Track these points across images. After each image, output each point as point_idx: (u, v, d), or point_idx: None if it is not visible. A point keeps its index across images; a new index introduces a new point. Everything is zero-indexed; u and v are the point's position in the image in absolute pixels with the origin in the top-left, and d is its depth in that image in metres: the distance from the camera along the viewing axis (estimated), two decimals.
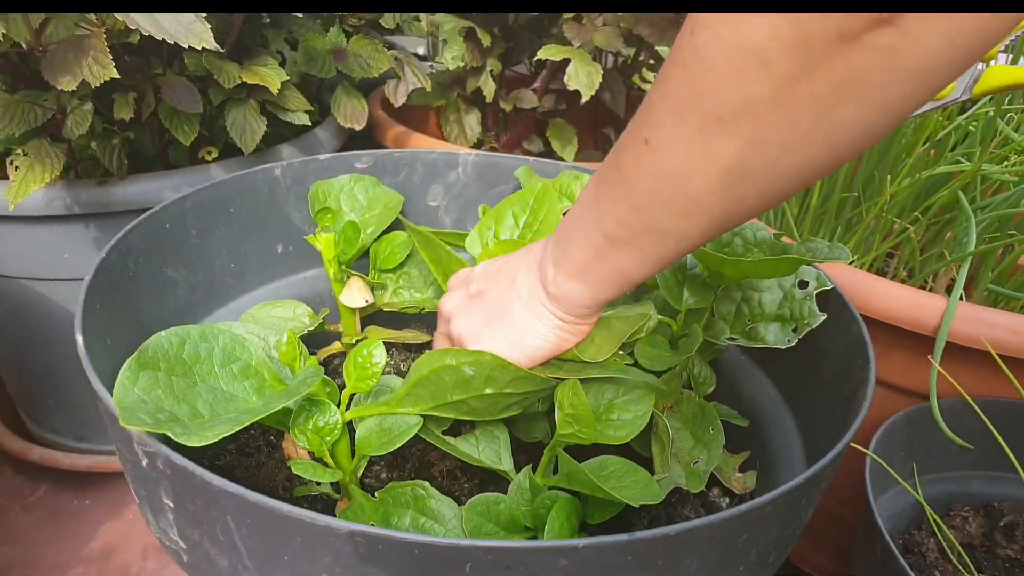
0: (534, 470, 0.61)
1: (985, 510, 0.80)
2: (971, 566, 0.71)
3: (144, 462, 0.46)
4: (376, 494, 0.61)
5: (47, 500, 1.16)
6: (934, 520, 0.74)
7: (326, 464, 0.59)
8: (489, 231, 0.68)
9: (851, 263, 0.82)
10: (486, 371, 0.56)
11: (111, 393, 0.48)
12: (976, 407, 0.70)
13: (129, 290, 0.66)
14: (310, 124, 1.02)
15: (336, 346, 0.81)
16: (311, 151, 1.10)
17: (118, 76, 0.70)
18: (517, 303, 0.56)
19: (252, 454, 0.72)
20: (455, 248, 0.81)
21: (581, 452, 0.59)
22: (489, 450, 0.62)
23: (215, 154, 0.99)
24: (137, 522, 1.14)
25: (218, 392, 0.52)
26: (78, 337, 0.52)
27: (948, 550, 0.74)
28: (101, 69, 0.69)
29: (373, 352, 0.57)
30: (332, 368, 0.83)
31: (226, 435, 0.45)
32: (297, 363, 0.57)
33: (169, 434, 0.44)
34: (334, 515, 0.66)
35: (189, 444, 0.44)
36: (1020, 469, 0.68)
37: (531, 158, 0.91)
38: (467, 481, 0.69)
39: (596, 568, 0.39)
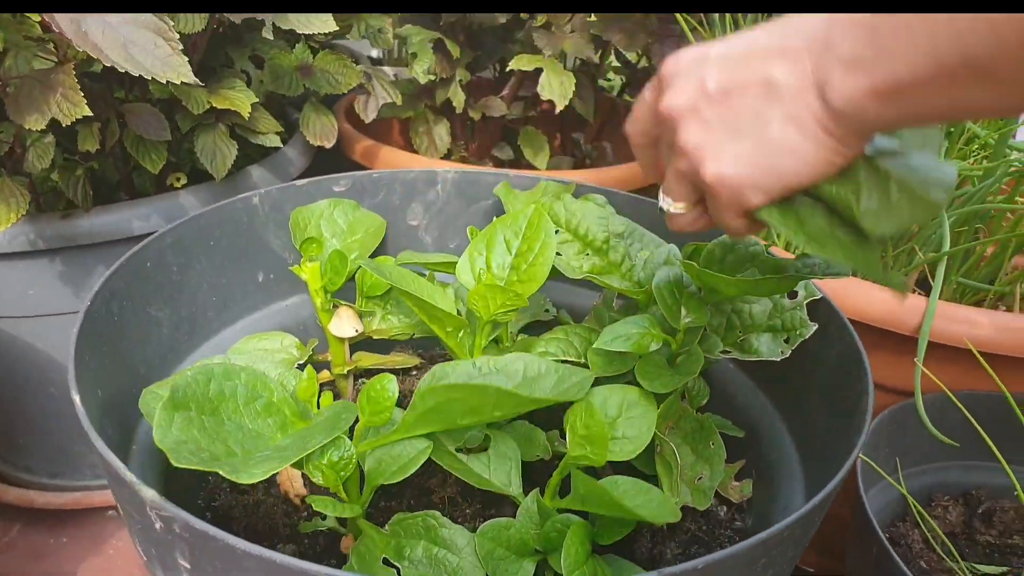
0: (541, 492, 0.61)
1: (964, 498, 0.83)
2: (955, 553, 0.74)
3: (158, 525, 0.45)
4: (387, 526, 0.61)
5: (21, 540, 1.13)
6: (919, 513, 0.76)
7: (339, 498, 0.59)
8: (480, 256, 0.68)
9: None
10: (492, 399, 0.56)
11: (108, 446, 0.47)
12: (960, 404, 0.72)
13: (115, 335, 0.65)
14: (281, 145, 1.00)
15: (324, 375, 0.80)
16: (281, 171, 1.09)
17: (91, 114, 0.68)
18: (777, 113, 0.43)
19: (247, 491, 0.71)
20: (444, 275, 0.81)
21: (588, 474, 0.59)
22: (500, 471, 0.62)
23: (184, 180, 0.97)
24: (118, 557, 1.12)
25: (245, 430, 0.51)
26: (75, 397, 0.50)
27: (932, 540, 0.77)
28: (71, 107, 0.67)
29: (387, 386, 0.57)
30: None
31: (273, 472, 0.44)
32: (314, 399, 0.56)
33: (220, 471, 0.43)
34: (339, 551, 0.66)
35: (242, 482, 0.44)
36: (1002, 460, 0.70)
37: (510, 172, 0.91)
38: (468, 507, 0.69)
39: None
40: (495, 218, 0.87)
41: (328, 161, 1.20)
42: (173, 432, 0.45)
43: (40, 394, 1.04)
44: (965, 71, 0.36)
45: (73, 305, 0.96)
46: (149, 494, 0.43)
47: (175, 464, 0.41)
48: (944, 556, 0.75)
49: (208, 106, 0.88)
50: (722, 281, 0.58)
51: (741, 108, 0.45)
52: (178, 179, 0.97)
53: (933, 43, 0.36)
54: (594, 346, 0.61)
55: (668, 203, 0.52)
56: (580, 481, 0.55)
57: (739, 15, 1.03)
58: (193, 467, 0.41)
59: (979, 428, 0.58)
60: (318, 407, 0.57)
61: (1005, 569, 0.76)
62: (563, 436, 0.70)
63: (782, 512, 0.63)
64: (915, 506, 0.74)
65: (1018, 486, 0.69)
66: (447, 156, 1.26)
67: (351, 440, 0.58)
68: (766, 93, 0.44)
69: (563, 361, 0.69)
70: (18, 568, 1.09)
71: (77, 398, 0.50)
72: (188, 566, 0.46)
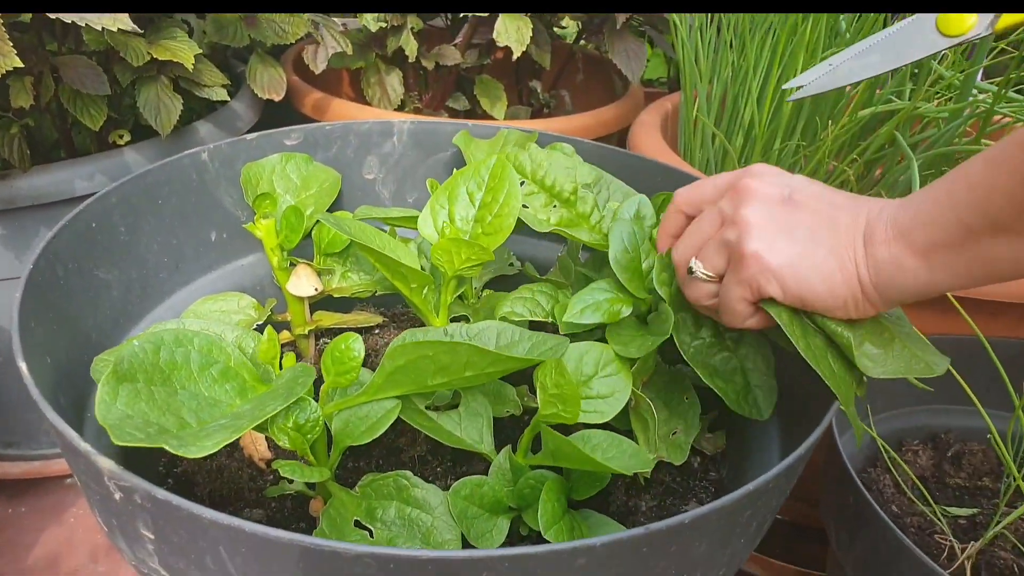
0: (514, 449, 0.60)
1: (933, 442, 0.85)
2: (927, 496, 0.75)
3: (118, 496, 0.43)
4: (357, 488, 0.59)
5: None
6: (890, 458, 0.78)
7: (306, 461, 0.57)
8: (442, 210, 0.66)
9: None
10: (464, 358, 0.55)
11: (60, 415, 0.45)
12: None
13: (62, 300, 0.62)
14: (228, 99, 0.96)
15: (284, 335, 0.77)
16: (229, 126, 1.04)
17: (21, 65, 0.63)
18: (828, 243, 0.49)
19: (211, 457, 0.69)
20: (405, 230, 0.79)
21: (559, 430, 0.58)
22: (472, 428, 0.61)
23: (127, 137, 0.92)
24: (79, 526, 1.09)
25: (200, 399, 0.49)
26: (21, 365, 0.48)
27: (903, 484, 0.78)
28: (2, 59, 0.63)
29: (352, 346, 0.55)
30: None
31: (226, 443, 0.42)
32: (276, 361, 0.54)
33: (166, 447, 0.41)
34: (308, 514, 0.64)
35: (189, 456, 0.42)
36: (979, 404, 0.71)
37: (469, 122, 0.88)
38: (439, 464, 0.68)
39: (613, 561, 0.39)
40: (455, 170, 0.85)
41: (278, 115, 1.15)
42: (118, 407, 0.42)
43: None
44: (987, 227, 0.43)
45: (16, 270, 0.92)
46: (106, 464, 0.41)
47: (116, 442, 0.38)
48: (916, 500, 0.77)
49: (148, 57, 0.84)
50: None
51: (804, 222, 0.50)
52: (121, 136, 0.92)
53: (957, 214, 0.44)
54: (564, 319, 0.60)
55: (699, 267, 0.55)
56: (550, 437, 0.54)
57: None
58: (137, 444, 0.39)
59: (954, 372, 0.59)
60: (280, 369, 0.55)
61: (976, 511, 0.78)
62: (533, 392, 0.69)
63: (757, 463, 0.63)
64: (886, 450, 0.75)
65: (993, 428, 0.70)
66: (400, 108, 1.23)
67: (317, 402, 0.57)
68: (828, 224, 0.49)
69: (531, 322, 0.68)
70: None
71: (24, 366, 0.48)
72: (152, 536, 0.44)
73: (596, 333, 0.65)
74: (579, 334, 0.64)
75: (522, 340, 0.60)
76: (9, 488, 1.12)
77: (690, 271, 0.56)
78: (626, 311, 0.62)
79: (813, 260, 0.49)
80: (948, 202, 0.45)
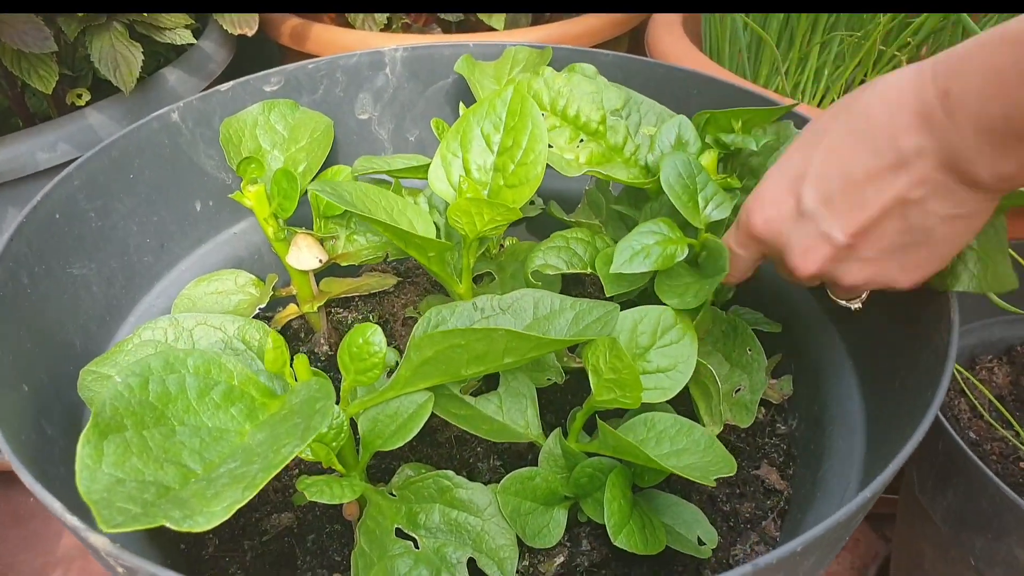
0: (564, 432, 0.54)
1: (1008, 356, 0.78)
2: (1007, 415, 0.69)
3: (120, 570, 0.36)
4: (394, 489, 0.53)
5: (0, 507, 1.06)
6: (963, 378, 0.71)
7: (333, 469, 0.51)
8: (455, 159, 0.56)
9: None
10: (502, 344, 0.47)
11: (46, 449, 0.38)
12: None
13: (33, 312, 0.54)
14: (194, 40, 0.85)
15: (292, 309, 0.70)
16: (200, 70, 0.93)
17: None
18: (931, 217, 0.40)
19: None
20: (413, 181, 0.70)
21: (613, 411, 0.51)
22: (515, 411, 0.54)
23: (87, 96, 0.82)
24: None
25: (203, 432, 0.41)
26: None
27: (980, 407, 0.71)
28: None
29: (371, 339, 0.47)
30: (291, 334, 0.73)
31: (238, 507, 0.35)
32: (287, 369, 0.47)
33: (166, 523, 0.33)
34: (341, 516, 0.58)
35: (195, 531, 0.34)
36: None
37: (469, 42, 0.78)
38: (479, 444, 0.62)
39: None
40: (460, 102, 0.75)
41: (253, 52, 1.04)
42: (104, 471, 0.34)
43: None
44: None
45: None
46: (101, 542, 0.34)
47: (105, 529, 0.30)
48: (994, 423, 0.70)
49: None
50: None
51: (888, 234, 0.41)
52: (79, 96, 0.82)
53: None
54: (611, 269, 0.51)
55: (857, 304, 0.51)
56: (610, 435, 0.47)
57: None
58: (130, 528, 0.31)
59: None
60: (291, 367, 0.47)
61: None
62: (571, 350, 0.62)
63: (837, 414, 0.56)
64: (960, 371, 0.68)
65: None
66: (387, 27, 1.10)
67: (338, 405, 0.50)
68: (903, 210, 0.40)
69: (566, 274, 0.60)
70: (1, 535, 1.02)
71: None
72: None
73: (642, 289, 0.57)
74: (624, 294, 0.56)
75: (563, 310, 0.52)
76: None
77: (850, 311, 0.52)
78: (681, 254, 0.53)
79: (942, 241, 0.41)
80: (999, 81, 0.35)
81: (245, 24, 0.89)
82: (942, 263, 0.43)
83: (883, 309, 0.54)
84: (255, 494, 0.34)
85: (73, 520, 0.35)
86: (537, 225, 0.78)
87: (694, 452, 0.47)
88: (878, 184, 0.40)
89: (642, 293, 0.57)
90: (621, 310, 0.50)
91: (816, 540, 0.34)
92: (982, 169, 0.37)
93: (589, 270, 0.59)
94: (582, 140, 0.61)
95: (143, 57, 0.80)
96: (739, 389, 0.55)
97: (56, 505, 0.36)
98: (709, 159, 0.57)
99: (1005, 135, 0.35)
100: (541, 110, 0.61)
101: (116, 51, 0.78)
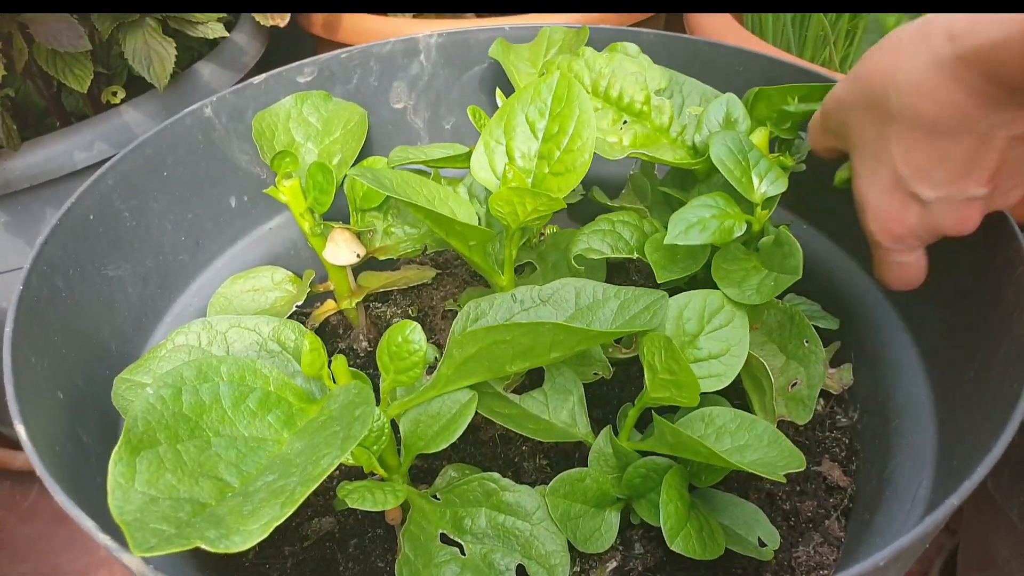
0: (615, 430, 0.51)
1: None
2: None
3: None
4: (438, 493, 0.51)
5: (43, 504, 1.07)
6: None
7: (374, 474, 0.49)
8: (499, 146, 0.54)
9: None
10: (548, 338, 0.45)
11: (83, 455, 0.36)
12: None
13: (68, 316, 0.53)
14: (227, 34, 0.83)
15: (330, 305, 0.68)
16: (233, 63, 0.92)
17: None
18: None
19: None
20: (452, 171, 0.67)
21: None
22: (562, 409, 0.52)
23: (122, 94, 0.81)
24: None
25: (239, 442, 0.39)
26: (19, 428, 0.39)
27: None
28: None
29: (410, 337, 0.45)
30: (329, 331, 0.71)
31: (276, 524, 0.33)
32: (325, 371, 0.45)
33: (201, 544, 0.32)
34: (383, 520, 0.56)
35: (232, 551, 0.32)
36: None
37: (505, 25, 0.75)
38: (524, 443, 0.60)
39: None
40: (497, 88, 0.72)
41: (285, 43, 1.03)
42: (137, 490, 0.33)
43: None
44: None
45: (26, 258, 0.83)
46: (134, 563, 0.33)
47: (137, 553, 0.29)
48: None
49: None
50: None
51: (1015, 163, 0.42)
52: (114, 93, 0.81)
53: None
54: (665, 240, 0.48)
55: None
56: (668, 431, 0.44)
57: None
58: (164, 551, 0.30)
59: None
60: (332, 380, 0.45)
61: None
62: (617, 341, 0.59)
63: (902, 404, 0.53)
64: None
65: None
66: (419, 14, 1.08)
67: (378, 406, 0.48)
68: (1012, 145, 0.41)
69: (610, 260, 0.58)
70: (45, 535, 1.03)
71: (22, 429, 0.39)
72: None
73: (693, 273, 0.54)
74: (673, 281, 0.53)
75: (607, 299, 0.50)
76: None
77: None
78: (739, 229, 0.50)
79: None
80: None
81: (277, 15, 0.87)
82: None
83: (952, 288, 0.51)
84: (294, 510, 0.33)
85: (105, 539, 0.34)
86: (579, 212, 0.76)
87: (757, 447, 0.44)
88: (978, 157, 0.41)
89: (691, 282, 0.54)
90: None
91: (901, 551, 0.31)
92: None
93: (636, 255, 0.56)
94: (625, 122, 0.58)
95: (176, 52, 0.79)
96: (795, 383, 0.52)
97: (89, 523, 0.35)
98: (760, 136, 0.54)
99: None
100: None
101: (149, 47, 0.77)
